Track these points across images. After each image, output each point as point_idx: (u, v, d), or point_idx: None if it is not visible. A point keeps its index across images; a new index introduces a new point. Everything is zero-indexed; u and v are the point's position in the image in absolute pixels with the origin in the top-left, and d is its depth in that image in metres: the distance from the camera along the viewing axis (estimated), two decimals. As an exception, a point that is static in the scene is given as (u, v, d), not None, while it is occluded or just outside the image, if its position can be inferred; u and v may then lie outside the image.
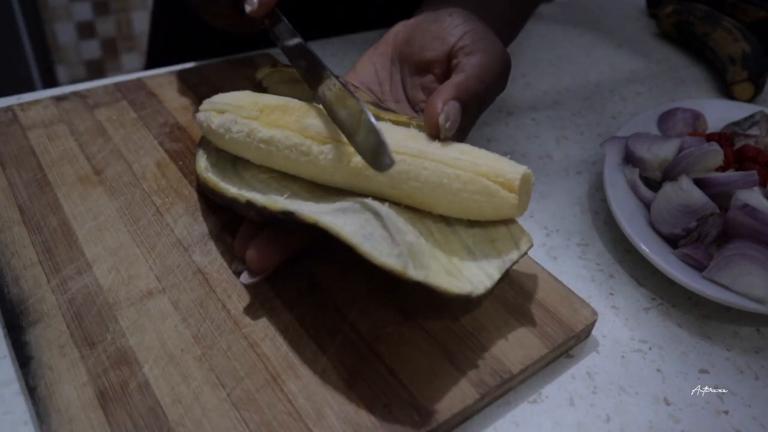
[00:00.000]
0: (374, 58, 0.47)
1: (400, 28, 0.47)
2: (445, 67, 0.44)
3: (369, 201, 0.35)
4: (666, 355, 0.40)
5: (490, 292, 0.34)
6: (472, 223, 0.38)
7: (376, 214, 0.33)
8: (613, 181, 0.50)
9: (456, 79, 0.40)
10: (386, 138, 0.33)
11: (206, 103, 0.42)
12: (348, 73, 0.47)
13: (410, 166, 0.36)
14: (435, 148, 0.36)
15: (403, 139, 0.37)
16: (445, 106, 0.38)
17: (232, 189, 0.38)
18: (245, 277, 0.37)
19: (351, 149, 0.37)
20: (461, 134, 0.43)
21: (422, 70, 0.45)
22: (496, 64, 0.41)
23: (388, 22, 0.51)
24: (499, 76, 0.42)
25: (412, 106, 0.46)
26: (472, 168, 0.35)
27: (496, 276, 0.34)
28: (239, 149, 0.40)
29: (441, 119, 0.37)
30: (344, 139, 0.37)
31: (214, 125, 0.40)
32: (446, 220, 0.38)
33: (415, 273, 0.31)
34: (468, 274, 0.34)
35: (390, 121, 0.40)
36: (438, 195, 0.36)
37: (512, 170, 0.35)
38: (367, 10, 0.76)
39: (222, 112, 0.40)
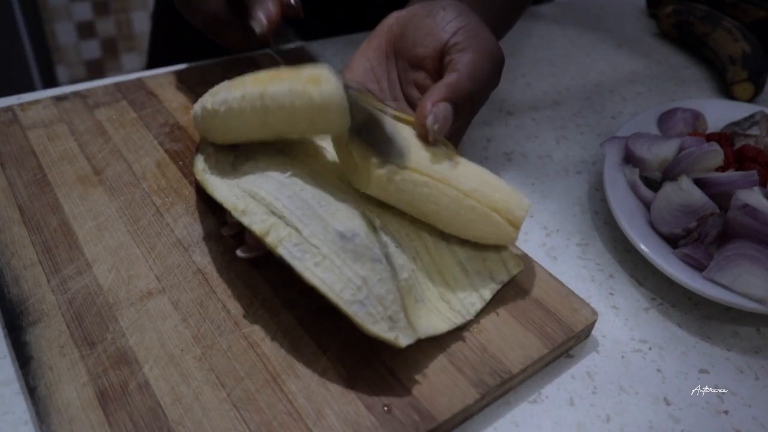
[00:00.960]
0: (369, 54, 0.47)
1: (393, 21, 0.46)
2: (437, 64, 0.43)
3: (377, 225, 0.37)
4: (666, 355, 0.40)
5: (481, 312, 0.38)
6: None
7: (379, 258, 0.35)
8: (613, 181, 0.50)
9: (448, 79, 0.40)
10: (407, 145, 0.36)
11: (199, 100, 0.43)
12: (342, 70, 0.47)
13: (432, 190, 0.37)
14: (457, 175, 0.38)
15: (428, 160, 0.38)
16: (434, 107, 0.38)
17: (223, 196, 0.38)
18: (243, 250, 0.38)
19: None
20: (457, 134, 0.42)
21: (415, 66, 0.45)
22: (488, 62, 0.41)
23: None
24: (492, 73, 0.41)
25: (409, 104, 0.46)
26: (488, 203, 0.38)
27: (488, 297, 0.38)
28: (236, 121, 0.39)
29: (429, 121, 0.38)
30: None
31: (210, 105, 0.40)
32: (442, 233, 0.40)
33: (404, 339, 0.33)
34: (461, 295, 0.38)
35: (410, 124, 0.41)
36: (451, 220, 0.38)
37: (519, 208, 0.38)
38: (367, 10, 0.76)
39: (215, 94, 0.41)
